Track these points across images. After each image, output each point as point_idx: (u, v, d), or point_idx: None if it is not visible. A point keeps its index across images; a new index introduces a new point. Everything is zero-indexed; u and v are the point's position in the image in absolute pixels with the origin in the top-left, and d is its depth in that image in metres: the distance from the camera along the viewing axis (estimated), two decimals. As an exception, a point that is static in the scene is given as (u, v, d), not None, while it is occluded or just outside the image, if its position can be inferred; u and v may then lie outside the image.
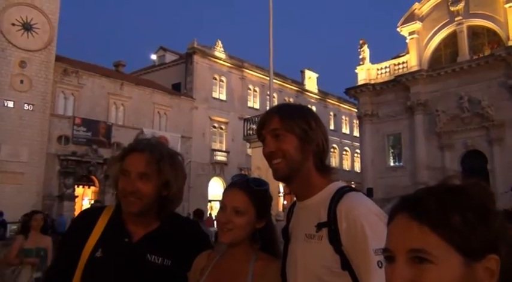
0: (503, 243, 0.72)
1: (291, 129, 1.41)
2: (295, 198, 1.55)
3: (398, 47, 37.18)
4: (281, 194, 33.68)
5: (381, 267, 1.15)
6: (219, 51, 34.68)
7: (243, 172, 28.39)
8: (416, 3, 29.49)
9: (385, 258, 0.77)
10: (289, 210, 1.58)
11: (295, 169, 1.41)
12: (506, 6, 25.36)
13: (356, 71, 31.90)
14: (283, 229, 1.56)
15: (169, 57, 35.93)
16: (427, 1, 29.06)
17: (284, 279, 1.48)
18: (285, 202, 36.32)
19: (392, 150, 29.90)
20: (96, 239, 1.58)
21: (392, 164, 29.51)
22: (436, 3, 28.71)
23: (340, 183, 1.44)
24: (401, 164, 28.86)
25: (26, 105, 23.47)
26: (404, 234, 0.73)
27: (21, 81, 23.55)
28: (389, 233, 0.78)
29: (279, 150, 1.41)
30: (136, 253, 1.56)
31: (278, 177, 1.44)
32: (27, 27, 24.06)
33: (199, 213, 10.53)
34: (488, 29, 26.84)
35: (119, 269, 1.52)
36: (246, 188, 1.58)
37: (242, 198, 1.56)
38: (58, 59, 25.54)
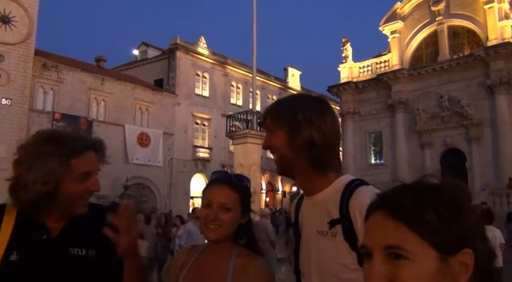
0: (478, 238, 0.74)
1: (278, 125, 1.41)
2: (301, 192, 1.53)
3: (380, 46, 37.51)
4: (263, 191, 33.79)
5: None
6: (202, 48, 34.49)
7: (225, 169, 28.32)
8: (398, 2, 29.80)
9: (363, 255, 0.78)
10: (297, 205, 1.55)
11: (288, 164, 1.41)
12: (486, 7, 25.83)
13: (339, 69, 32.11)
14: (293, 224, 1.54)
15: (152, 53, 35.58)
16: (409, 1, 29.40)
17: (298, 275, 1.47)
18: (267, 199, 36.46)
19: (373, 148, 30.23)
20: (5, 242, 1.40)
21: (373, 161, 29.84)
22: (417, 3, 29.06)
23: (349, 177, 1.40)
24: (382, 161, 29.21)
25: (3, 99, 23.00)
26: (381, 231, 0.75)
27: (-1, 75, 23.07)
28: (366, 230, 0.79)
29: (272, 148, 1.43)
30: (58, 248, 1.44)
31: (277, 172, 1.48)
32: (5, 20, 23.53)
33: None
34: (468, 29, 27.30)
35: (43, 268, 1.40)
36: (231, 184, 1.57)
37: (229, 194, 1.55)
38: (37, 53, 25.06)
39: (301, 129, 1.36)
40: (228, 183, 1.58)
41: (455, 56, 27.20)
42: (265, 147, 1.46)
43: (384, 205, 0.76)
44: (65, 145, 1.44)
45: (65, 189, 1.43)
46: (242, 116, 16.21)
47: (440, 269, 0.71)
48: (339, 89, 31.17)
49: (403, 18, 29.65)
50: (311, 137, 1.35)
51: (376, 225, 0.76)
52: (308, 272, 1.40)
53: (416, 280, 0.70)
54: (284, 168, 1.43)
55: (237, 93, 37.00)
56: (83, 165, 1.46)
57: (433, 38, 28.62)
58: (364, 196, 1.25)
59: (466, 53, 26.78)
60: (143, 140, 28.92)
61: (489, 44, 25.39)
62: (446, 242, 0.71)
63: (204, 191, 1.62)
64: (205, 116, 33.57)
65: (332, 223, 1.31)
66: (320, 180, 1.39)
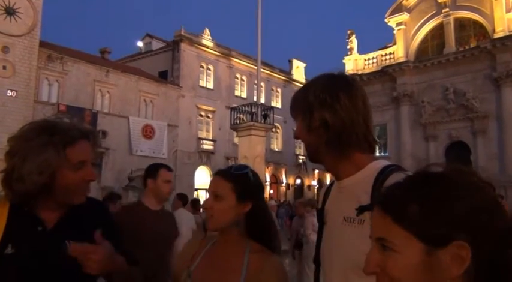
0: (477, 230, 0.71)
1: (296, 113, 1.39)
2: (316, 177, 1.47)
3: (386, 38, 37.27)
4: (267, 183, 33.83)
5: None
6: (207, 39, 34.37)
7: (229, 161, 28.38)
8: (405, -6, 29.58)
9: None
10: (326, 191, 1.50)
11: (312, 150, 1.37)
12: (493, -2, 25.59)
13: (343, 61, 31.97)
14: (318, 211, 1.49)
15: (156, 45, 35.49)
16: (415, -8, 29.18)
17: (318, 265, 1.43)
18: (271, 191, 36.50)
19: (378, 141, 30.11)
20: (0, 235, 1.37)
21: (378, 154, 29.60)
22: (423, -6, 28.85)
23: (384, 162, 1.33)
24: (386, 154, 29.15)
25: (8, 91, 23.03)
26: (375, 224, 0.79)
27: (4, 67, 23.07)
28: (370, 222, 0.83)
29: (296, 135, 1.42)
30: (53, 241, 1.41)
31: (311, 161, 1.45)
32: (10, 11, 23.51)
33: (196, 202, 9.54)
34: (475, 21, 27.07)
35: (38, 261, 1.38)
36: (225, 174, 1.60)
37: (221, 183, 1.57)
38: (42, 44, 25.03)
39: (313, 112, 1.32)
40: (222, 173, 1.61)
41: (461, 48, 27.03)
42: (295, 137, 1.44)
43: (380, 199, 0.80)
44: (59, 134, 1.41)
45: (62, 179, 1.41)
46: (246, 108, 16.20)
47: (427, 261, 0.72)
48: (343, 81, 31.05)
49: (409, 10, 29.42)
50: (323, 118, 1.30)
51: (373, 217, 0.80)
52: (329, 261, 1.34)
53: (401, 271, 0.73)
54: (310, 155, 1.40)
55: (242, 85, 36.90)
56: (78, 154, 1.44)
57: (439, 30, 28.43)
58: None
59: (473, 45, 26.60)
60: (148, 132, 28.96)
61: (496, 36, 25.19)
62: (431, 234, 0.71)
63: None
64: (210, 108, 33.53)
65: (361, 209, 1.22)
66: (345, 162, 1.33)
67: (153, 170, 3.26)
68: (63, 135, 1.42)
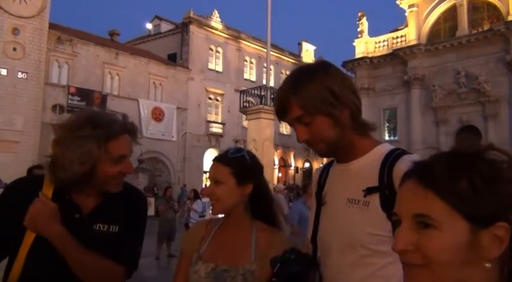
0: None
1: (316, 111, 1.25)
2: (325, 161, 1.45)
3: (397, 20, 36.74)
4: (276, 167, 33.90)
5: None
6: (216, 22, 34.13)
7: (238, 144, 28.43)
8: (417, -25, 28.99)
9: (394, 223, 0.78)
10: (322, 173, 1.50)
11: (336, 144, 1.30)
12: (508, -21, 25.01)
13: (354, 43, 31.62)
14: (316, 193, 1.48)
15: (165, 27, 35.34)
16: (428, -27, 28.58)
17: (315, 244, 1.43)
18: (280, 174, 36.60)
19: (387, 125, 29.99)
20: None
21: (387, 138, 29.65)
22: (437, -25, 28.26)
23: (389, 146, 1.33)
24: (396, 138, 29.00)
25: (19, 73, 23.17)
26: (410, 199, 0.73)
27: (14, 49, 23.18)
28: (398, 197, 0.77)
29: (315, 138, 1.29)
30: (86, 227, 1.49)
31: (322, 156, 1.39)
32: (19, -7, 23.50)
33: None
34: (489, 3, 26.53)
35: None
36: (222, 159, 1.64)
37: (219, 168, 1.61)
38: (52, 26, 25.06)
39: (344, 102, 1.26)
40: (220, 158, 1.65)
41: (474, 31, 26.55)
42: (304, 140, 1.30)
43: (417, 172, 0.75)
44: (102, 128, 1.47)
45: (101, 171, 1.48)
46: (256, 91, 16.14)
47: (469, 241, 0.68)
48: (353, 64, 30.76)
49: (422, -8, 28.89)
50: (353, 102, 1.29)
51: (407, 192, 0.75)
52: (329, 241, 1.35)
53: (440, 249, 0.69)
54: (333, 150, 1.33)
55: (251, 68, 36.72)
56: (119, 148, 1.51)
57: (452, 12, 27.92)
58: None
59: (486, 27, 26.11)
60: (157, 115, 29.07)
61: (510, 18, 24.70)
62: (478, 213, 0.68)
63: None
64: (219, 91, 33.49)
65: (369, 191, 1.24)
66: (360, 146, 1.32)
67: None
68: (106, 129, 1.48)
